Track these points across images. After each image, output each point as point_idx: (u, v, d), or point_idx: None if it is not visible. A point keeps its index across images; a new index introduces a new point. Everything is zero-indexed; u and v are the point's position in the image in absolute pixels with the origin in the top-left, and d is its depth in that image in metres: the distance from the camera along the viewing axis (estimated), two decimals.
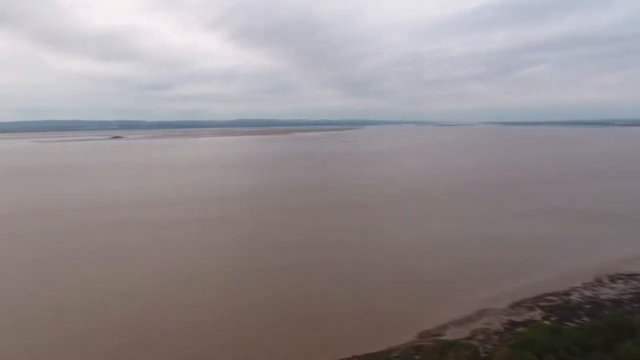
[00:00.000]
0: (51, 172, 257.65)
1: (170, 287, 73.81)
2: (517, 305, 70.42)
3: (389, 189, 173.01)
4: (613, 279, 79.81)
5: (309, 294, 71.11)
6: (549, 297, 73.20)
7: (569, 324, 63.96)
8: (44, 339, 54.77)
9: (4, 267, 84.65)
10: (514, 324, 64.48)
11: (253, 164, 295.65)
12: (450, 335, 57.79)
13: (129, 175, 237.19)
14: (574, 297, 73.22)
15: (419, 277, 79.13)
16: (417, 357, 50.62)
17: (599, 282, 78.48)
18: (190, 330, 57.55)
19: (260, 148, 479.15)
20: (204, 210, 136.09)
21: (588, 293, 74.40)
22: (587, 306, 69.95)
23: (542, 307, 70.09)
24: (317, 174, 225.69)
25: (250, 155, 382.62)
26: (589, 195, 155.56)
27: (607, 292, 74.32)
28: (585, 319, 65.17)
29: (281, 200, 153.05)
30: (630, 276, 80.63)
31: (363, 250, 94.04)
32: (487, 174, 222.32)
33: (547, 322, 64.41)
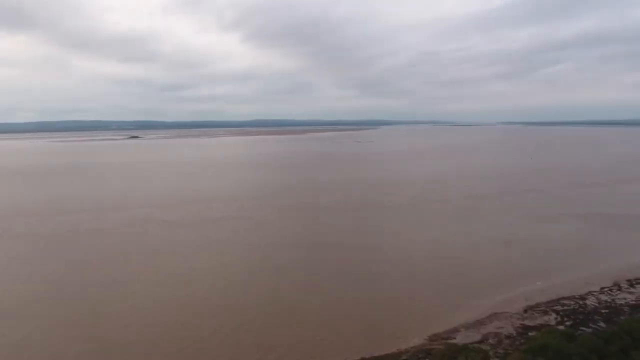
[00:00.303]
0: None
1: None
2: (530, 309, 69.01)
3: (390, 191, 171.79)
4: (632, 283, 77.60)
5: (323, 294, 70.86)
6: (564, 302, 71.51)
7: (584, 329, 62.35)
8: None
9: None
10: (527, 328, 63.08)
11: (268, 163, 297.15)
12: (461, 339, 56.87)
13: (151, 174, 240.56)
14: (590, 301, 71.38)
15: (432, 279, 78.22)
16: None
17: (617, 286, 76.41)
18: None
19: (273, 148, 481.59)
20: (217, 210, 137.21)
21: (605, 298, 72.47)
22: (603, 311, 68.06)
23: (556, 312, 68.41)
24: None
25: (264, 155, 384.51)
26: (617, 199, 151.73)
27: (625, 297, 72.24)
28: (602, 324, 63.40)
29: (284, 199, 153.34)
30: None
31: (377, 251, 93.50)
32: (498, 176, 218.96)
33: (561, 327, 63.07)
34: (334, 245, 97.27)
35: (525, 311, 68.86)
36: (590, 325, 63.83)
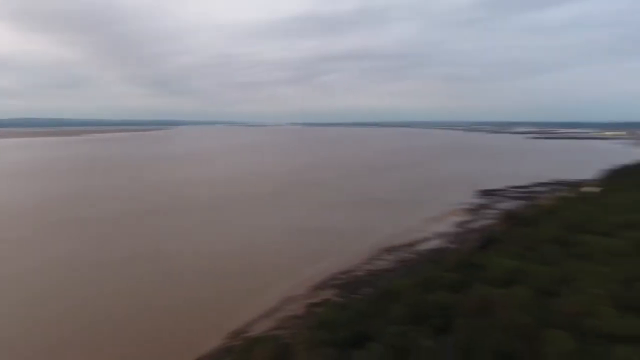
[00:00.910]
0: None
1: None
2: (315, 287, 78.73)
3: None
4: (387, 252, 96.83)
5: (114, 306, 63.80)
6: (342, 276, 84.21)
7: (355, 296, 75.23)
8: None
9: None
10: (313, 305, 71.88)
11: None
12: (258, 329, 60.45)
13: None
14: (359, 272, 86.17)
15: (222, 277, 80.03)
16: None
17: (376, 256, 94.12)
18: None
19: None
20: None
21: (369, 267, 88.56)
22: (368, 278, 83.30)
23: (334, 286, 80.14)
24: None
25: None
26: (374, 185, 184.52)
27: (382, 264, 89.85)
28: (368, 289, 77.63)
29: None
30: (397, 248, 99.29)
31: (163, 259, 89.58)
32: (283, 172, 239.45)
33: (338, 299, 74.39)
34: (115, 261, 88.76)
35: (313, 290, 78.36)
36: (359, 292, 77.41)
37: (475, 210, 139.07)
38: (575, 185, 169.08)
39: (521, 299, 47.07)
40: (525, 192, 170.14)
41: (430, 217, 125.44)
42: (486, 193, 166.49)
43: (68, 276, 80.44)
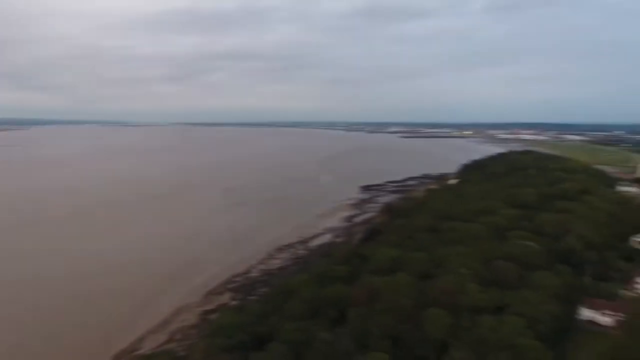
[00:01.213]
0: None
1: None
2: (209, 293, 76.18)
3: None
4: (279, 250, 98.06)
5: None
6: (236, 279, 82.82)
7: (251, 297, 74.84)
8: None
9: None
10: (207, 312, 69.48)
11: None
12: (148, 345, 56.60)
13: None
14: (254, 273, 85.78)
15: (107, 294, 72.96)
16: None
17: (270, 255, 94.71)
18: None
19: None
20: None
21: (263, 267, 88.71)
22: (263, 278, 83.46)
23: (230, 290, 78.54)
24: None
25: None
26: (262, 185, 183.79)
27: (276, 263, 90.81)
28: (263, 289, 77.83)
29: None
30: (290, 245, 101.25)
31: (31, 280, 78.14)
32: (170, 172, 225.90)
33: (234, 302, 73.21)
34: None
35: (205, 297, 75.62)
36: (255, 292, 77.23)
37: (359, 204, 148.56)
38: (439, 178, 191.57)
39: (403, 285, 51.99)
40: (400, 186, 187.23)
41: (320, 214, 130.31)
42: (368, 188, 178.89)
43: None
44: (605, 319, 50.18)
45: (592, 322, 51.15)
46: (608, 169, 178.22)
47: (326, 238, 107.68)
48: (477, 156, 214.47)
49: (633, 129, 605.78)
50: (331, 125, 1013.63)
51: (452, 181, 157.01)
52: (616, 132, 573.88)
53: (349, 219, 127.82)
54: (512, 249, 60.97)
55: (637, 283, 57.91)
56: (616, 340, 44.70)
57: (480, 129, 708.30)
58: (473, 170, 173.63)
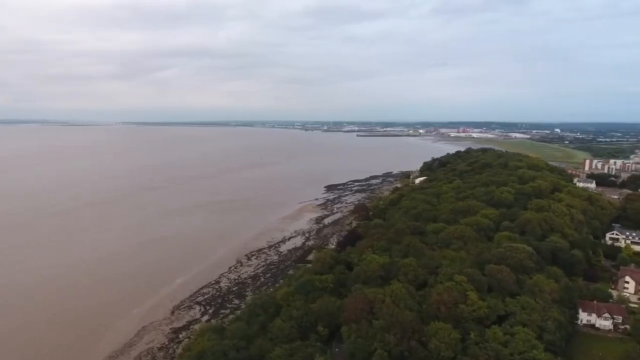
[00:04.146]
0: None
1: None
2: (177, 308, 68.69)
3: None
4: (249, 257, 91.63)
5: None
6: (204, 290, 75.55)
7: (224, 311, 68.15)
8: None
9: None
10: (177, 331, 62.19)
11: None
12: None
13: None
14: (224, 283, 78.84)
15: (58, 319, 63.89)
16: None
17: (239, 263, 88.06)
18: None
19: None
20: None
21: (233, 276, 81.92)
22: (235, 289, 76.68)
23: (199, 303, 71.15)
24: None
25: None
26: (221, 187, 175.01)
27: (247, 270, 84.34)
28: (237, 301, 71.06)
29: None
30: (260, 251, 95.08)
31: None
32: (117, 177, 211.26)
33: (206, 317, 66.22)
34: None
35: (172, 313, 67.94)
36: (228, 305, 70.39)
37: (325, 205, 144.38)
38: (403, 176, 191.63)
39: (399, 295, 48.09)
40: (364, 185, 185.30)
41: (286, 216, 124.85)
42: (332, 188, 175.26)
43: None
44: (604, 322, 49.01)
45: (591, 326, 49.86)
46: (555, 164, 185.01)
47: (297, 241, 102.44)
48: (434, 154, 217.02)
49: (567, 127, 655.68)
50: (288, 125, 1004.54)
51: (418, 179, 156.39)
52: (555, 130, 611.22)
53: (318, 220, 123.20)
54: (502, 252, 58.93)
55: (625, 282, 57.76)
56: (628, 345, 43.12)
57: (432, 128, 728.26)
58: (436, 168, 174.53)
